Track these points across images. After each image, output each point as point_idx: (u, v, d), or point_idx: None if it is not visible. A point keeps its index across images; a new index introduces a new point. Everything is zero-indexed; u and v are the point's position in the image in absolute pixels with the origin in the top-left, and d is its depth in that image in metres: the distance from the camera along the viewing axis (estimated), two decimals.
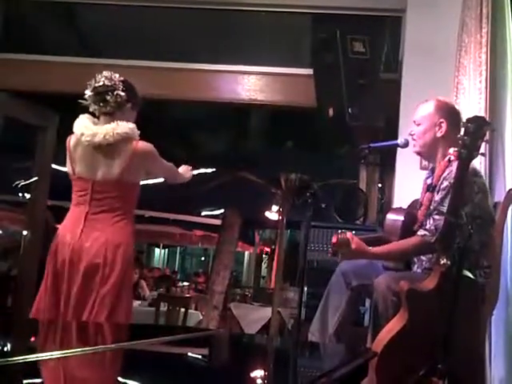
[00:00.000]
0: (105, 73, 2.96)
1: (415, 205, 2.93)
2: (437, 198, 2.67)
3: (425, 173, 3.01)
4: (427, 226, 2.64)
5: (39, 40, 5.11)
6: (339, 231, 2.65)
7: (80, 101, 2.98)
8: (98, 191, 2.93)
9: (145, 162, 2.98)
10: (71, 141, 2.98)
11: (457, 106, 3.39)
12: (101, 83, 2.92)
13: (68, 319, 2.84)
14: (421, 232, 2.65)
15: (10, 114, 4.54)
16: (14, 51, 4.72)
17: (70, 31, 5.19)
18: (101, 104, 2.93)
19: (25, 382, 1.39)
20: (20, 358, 1.45)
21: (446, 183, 2.65)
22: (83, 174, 2.95)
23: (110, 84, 2.93)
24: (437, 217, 2.60)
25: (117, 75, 2.97)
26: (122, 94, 2.95)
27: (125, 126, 2.91)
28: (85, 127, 2.93)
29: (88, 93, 2.94)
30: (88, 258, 2.88)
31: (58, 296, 2.92)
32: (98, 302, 2.86)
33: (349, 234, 2.64)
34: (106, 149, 2.91)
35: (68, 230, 2.95)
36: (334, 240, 2.64)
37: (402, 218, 2.82)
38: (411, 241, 2.68)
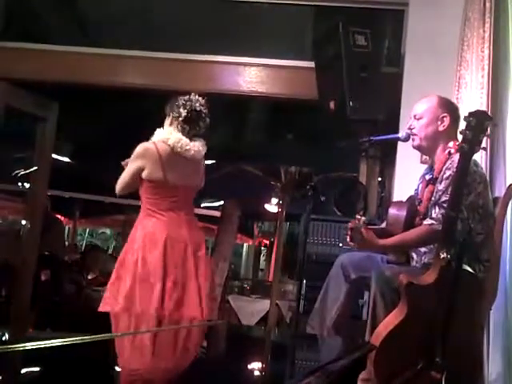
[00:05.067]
0: (199, 99, 3.38)
1: (412, 201, 2.93)
2: (440, 187, 2.67)
3: (425, 167, 3.01)
4: (433, 215, 2.65)
5: (39, 29, 5.09)
6: (357, 217, 2.65)
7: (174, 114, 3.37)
8: (187, 196, 3.42)
9: None
10: (161, 148, 3.29)
11: (458, 101, 3.40)
12: (198, 109, 3.37)
13: None
14: (428, 221, 2.65)
15: (10, 103, 4.52)
16: (15, 40, 4.70)
17: (71, 20, 5.17)
18: (196, 127, 3.39)
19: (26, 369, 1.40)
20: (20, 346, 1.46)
21: (448, 173, 2.65)
22: (177, 182, 3.32)
23: (205, 111, 3.39)
24: (444, 205, 2.60)
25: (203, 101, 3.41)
26: (208, 120, 3.42)
27: (204, 146, 3.43)
28: (182, 141, 3.32)
29: (184, 113, 3.34)
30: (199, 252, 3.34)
31: None
32: None
33: (362, 224, 2.64)
34: (193, 162, 3.38)
35: (174, 231, 3.30)
36: (350, 225, 2.66)
37: (404, 211, 2.82)
38: (419, 230, 2.69)
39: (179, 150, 3.30)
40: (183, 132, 3.37)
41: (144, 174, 3.28)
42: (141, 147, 3.31)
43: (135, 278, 3.19)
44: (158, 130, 3.40)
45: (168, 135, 3.33)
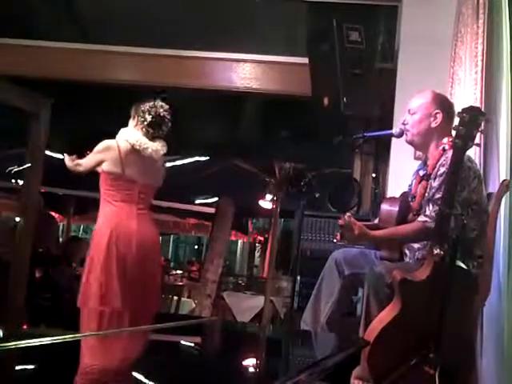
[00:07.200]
0: (163, 104, 3.72)
1: (405, 197, 2.93)
2: (434, 184, 2.67)
3: (419, 163, 3.01)
4: (427, 212, 2.64)
5: (33, 24, 5.06)
6: (346, 213, 2.64)
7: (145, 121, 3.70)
8: (143, 192, 3.67)
9: None
10: (122, 146, 3.59)
11: (452, 97, 3.40)
12: (162, 114, 3.70)
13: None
14: (421, 218, 2.65)
15: (3, 99, 4.50)
16: (8, 35, 4.68)
17: (65, 16, 5.14)
18: (159, 131, 3.72)
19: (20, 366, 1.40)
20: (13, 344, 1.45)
21: (442, 169, 2.64)
22: (134, 177, 3.61)
23: (168, 117, 3.72)
24: (438, 202, 2.60)
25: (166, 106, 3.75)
26: (170, 124, 3.76)
27: (164, 147, 3.74)
28: (141, 140, 3.64)
29: (149, 118, 3.67)
30: (147, 245, 3.63)
31: None
32: None
33: (352, 219, 2.63)
34: (152, 161, 3.67)
35: (123, 222, 3.58)
36: (340, 222, 2.65)
37: (397, 207, 2.82)
38: (412, 226, 2.69)
39: (138, 147, 3.60)
40: (147, 134, 3.69)
41: (104, 166, 3.59)
42: (104, 143, 3.63)
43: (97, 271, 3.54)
44: (122, 129, 3.71)
45: (129, 134, 3.65)
